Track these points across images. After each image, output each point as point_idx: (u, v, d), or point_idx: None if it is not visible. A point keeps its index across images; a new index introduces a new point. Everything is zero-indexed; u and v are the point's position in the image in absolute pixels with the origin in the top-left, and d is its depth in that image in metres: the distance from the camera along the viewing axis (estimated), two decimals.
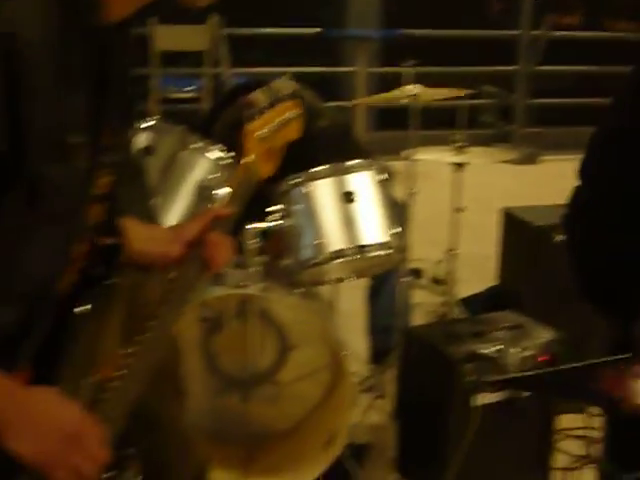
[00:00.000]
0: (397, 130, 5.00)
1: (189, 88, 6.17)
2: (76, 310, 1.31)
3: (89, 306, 1.32)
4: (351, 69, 6.51)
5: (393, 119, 5.17)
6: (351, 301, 3.00)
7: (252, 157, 1.60)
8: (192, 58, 6.23)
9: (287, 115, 1.70)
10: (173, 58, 6.13)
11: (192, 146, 2.42)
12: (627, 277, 1.92)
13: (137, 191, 2.17)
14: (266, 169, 1.66)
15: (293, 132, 1.73)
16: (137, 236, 1.54)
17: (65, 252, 1.26)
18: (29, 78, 1.10)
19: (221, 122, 2.89)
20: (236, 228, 1.60)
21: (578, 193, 2.00)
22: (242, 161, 1.59)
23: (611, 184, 1.93)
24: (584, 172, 1.98)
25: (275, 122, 1.67)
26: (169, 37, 5.84)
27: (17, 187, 1.12)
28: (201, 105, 6.04)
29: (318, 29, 6.63)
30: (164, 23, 5.73)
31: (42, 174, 1.13)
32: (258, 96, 1.65)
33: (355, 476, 2.61)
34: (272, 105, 1.66)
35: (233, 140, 1.65)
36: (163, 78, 6.04)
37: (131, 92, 1.43)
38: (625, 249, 1.91)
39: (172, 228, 1.64)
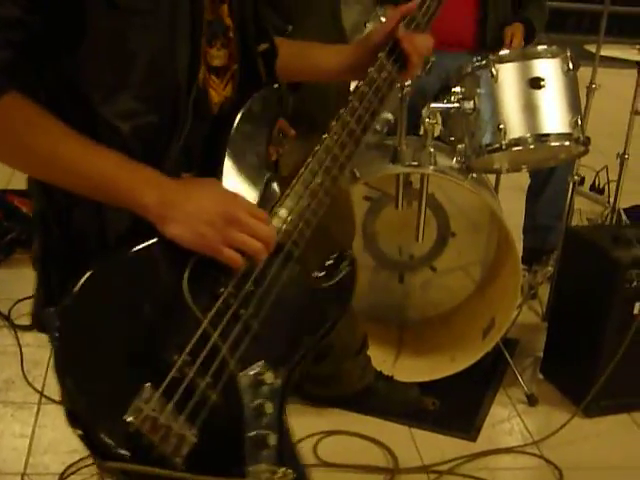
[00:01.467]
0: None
1: None
2: (237, 116, 1.29)
3: (249, 110, 1.31)
4: None
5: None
6: (507, 201, 2.92)
7: None
8: None
9: None
10: None
11: (378, 17, 2.36)
12: None
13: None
14: None
15: None
16: (325, 56, 1.52)
17: (191, 50, 1.21)
18: None
19: None
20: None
21: None
22: None
23: None
24: None
25: None
26: None
27: None
28: None
29: None
30: None
31: None
32: None
33: (506, 365, 2.60)
34: None
35: None
36: None
37: None
38: None
39: (359, 41, 1.58)
